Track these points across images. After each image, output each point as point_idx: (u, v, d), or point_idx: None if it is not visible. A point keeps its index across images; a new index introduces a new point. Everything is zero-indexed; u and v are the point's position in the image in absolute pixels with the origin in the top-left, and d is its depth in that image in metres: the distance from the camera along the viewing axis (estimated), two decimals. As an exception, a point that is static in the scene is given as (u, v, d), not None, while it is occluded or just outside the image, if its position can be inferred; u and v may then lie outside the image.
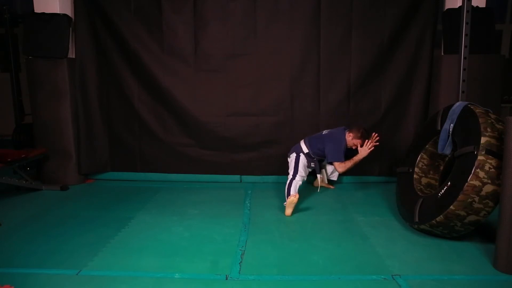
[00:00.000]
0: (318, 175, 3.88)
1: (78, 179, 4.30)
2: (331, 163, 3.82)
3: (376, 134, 3.62)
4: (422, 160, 3.20)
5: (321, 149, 3.66)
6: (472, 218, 2.44)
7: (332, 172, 4.03)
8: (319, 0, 3.98)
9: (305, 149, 3.68)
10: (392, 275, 2.22)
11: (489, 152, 2.38)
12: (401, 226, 2.98)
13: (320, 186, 4.06)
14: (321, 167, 3.89)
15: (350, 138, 3.64)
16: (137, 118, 4.29)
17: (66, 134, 4.16)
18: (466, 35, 3.51)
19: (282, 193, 3.56)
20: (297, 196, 3.28)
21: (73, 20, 4.13)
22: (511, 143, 2.14)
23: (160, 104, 4.24)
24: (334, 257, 2.47)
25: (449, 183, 2.57)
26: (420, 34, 3.97)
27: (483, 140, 2.42)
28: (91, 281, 2.17)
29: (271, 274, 2.26)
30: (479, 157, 2.39)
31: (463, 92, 3.58)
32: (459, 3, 3.63)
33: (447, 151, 2.86)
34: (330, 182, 4.13)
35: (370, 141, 3.57)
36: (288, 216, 3.20)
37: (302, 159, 3.64)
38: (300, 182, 3.49)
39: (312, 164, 3.72)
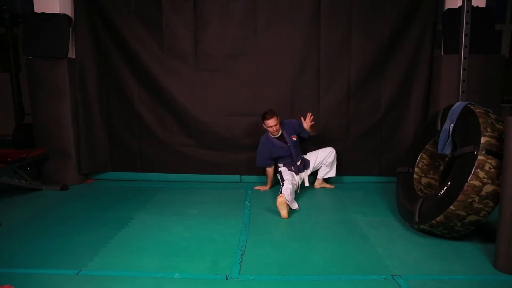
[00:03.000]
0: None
1: (78, 179, 4.30)
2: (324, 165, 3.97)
3: (311, 114, 3.75)
4: (422, 160, 3.19)
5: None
6: (472, 218, 2.43)
7: (326, 172, 4.02)
8: (319, 0, 3.98)
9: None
10: (392, 275, 2.22)
11: (489, 152, 2.38)
12: (401, 226, 2.98)
13: (321, 187, 4.08)
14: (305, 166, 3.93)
15: (264, 127, 3.78)
16: (137, 118, 4.29)
17: (66, 134, 4.16)
18: (466, 35, 3.51)
19: (282, 193, 3.55)
20: (283, 195, 3.17)
21: (73, 20, 4.13)
22: (511, 143, 2.14)
23: (160, 104, 4.24)
24: (334, 257, 2.47)
25: (449, 183, 2.56)
26: (420, 34, 3.97)
27: (483, 140, 2.42)
28: (91, 281, 2.17)
29: (271, 274, 2.26)
30: (479, 157, 2.38)
31: (463, 92, 3.58)
32: (459, 3, 3.64)
33: (447, 151, 2.86)
34: (330, 182, 4.13)
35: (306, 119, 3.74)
36: (284, 218, 3.16)
37: (283, 170, 3.74)
38: (290, 186, 3.40)
39: (293, 168, 3.78)
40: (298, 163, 3.86)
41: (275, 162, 3.94)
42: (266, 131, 3.83)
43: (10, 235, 2.84)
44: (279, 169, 3.82)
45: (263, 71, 4.11)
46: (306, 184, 3.91)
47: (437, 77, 3.93)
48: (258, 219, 3.15)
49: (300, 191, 3.79)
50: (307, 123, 3.73)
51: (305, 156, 3.97)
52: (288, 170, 3.74)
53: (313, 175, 4.09)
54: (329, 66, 4.07)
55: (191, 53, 4.13)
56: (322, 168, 4.01)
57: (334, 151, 3.97)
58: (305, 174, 3.90)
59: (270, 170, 3.98)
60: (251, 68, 4.11)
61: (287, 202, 3.21)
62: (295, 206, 3.37)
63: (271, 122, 3.69)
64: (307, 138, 3.89)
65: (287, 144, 3.79)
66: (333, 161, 3.98)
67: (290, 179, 3.54)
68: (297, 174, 3.79)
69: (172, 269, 2.31)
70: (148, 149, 4.34)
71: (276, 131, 3.75)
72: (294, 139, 3.82)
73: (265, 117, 3.70)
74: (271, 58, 4.09)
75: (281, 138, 3.82)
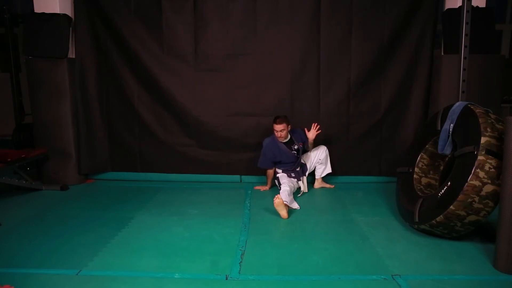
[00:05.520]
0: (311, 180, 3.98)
1: (78, 179, 4.30)
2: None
3: (316, 124, 3.85)
4: (422, 160, 3.19)
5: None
6: (472, 218, 2.44)
7: (322, 170, 4.02)
8: (319, 0, 3.98)
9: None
10: (392, 275, 2.22)
11: (489, 152, 2.38)
12: (401, 226, 2.98)
13: (321, 187, 4.08)
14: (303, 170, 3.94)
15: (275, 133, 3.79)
16: (137, 118, 4.29)
17: (66, 134, 4.16)
18: (466, 35, 3.50)
19: (282, 193, 3.56)
20: (279, 196, 3.17)
21: (73, 20, 4.13)
22: (511, 143, 2.14)
23: (160, 104, 4.24)
24: (334, 257, 2.47)
25: (449, 183, 2.57)
26: (420, 34, 3.97)
27: (483, 140, 2.42)
28: (91, 281, 2.17)
29: (271, 274, 2.26)
30: (479, 157, 2.38)
31: (463, 92, 3.58)
32: (459, 3, 3.63)
33: (447, 151, 2.86)
34: (330, 181, 4.12)
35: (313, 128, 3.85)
36: (284, 218, 3.15)
37: (281, 176, 3.77)
38: (288, 188, 3.42)
39: (293, 174, 3.80)
40: (298, 168, 3.88)
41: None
42: (272, 133, 3.82)
43: (10, 235, 2.84)
44: (277, 175, 3.84)
45: (263, 71, 4.11)
46: (304, 189, 3.87)
47: (437, 77, 3.93)
48: (258, 219, 3.16)
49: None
50: (312, 133, 3.80)
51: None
52: (288, 176, 3.76)
53: (311, 175, 4.09)
54: (329, 66, 4.07)
55: (191, 53, 4.13)
56: (317, 167, 4.02)
57: (325, 147, 4.00)
58: (303, 180, 3.90)
59: (270, 171, 3.98)
60: (251, 68, 4.11)
61: (285, 203, 3.21)
62: (295, 206, 3.37)
63: (279, 127, 3.73)
64: (303, 150, 3.95)
65: (293, 151, 3.83)
66: (325, 157, 3.98)
67: (287, 182, 3.57)
68: (298, 180, 3.82)
69: (172, 269, 2.31)
70: (148, 149, 4.34)
71: (283, 137, 3.78)
72: (301, 146, 3.87)
73: (275, 120, 3.76)
74: (271, 58, 4.09)
75: (288, 144, 3.84)
